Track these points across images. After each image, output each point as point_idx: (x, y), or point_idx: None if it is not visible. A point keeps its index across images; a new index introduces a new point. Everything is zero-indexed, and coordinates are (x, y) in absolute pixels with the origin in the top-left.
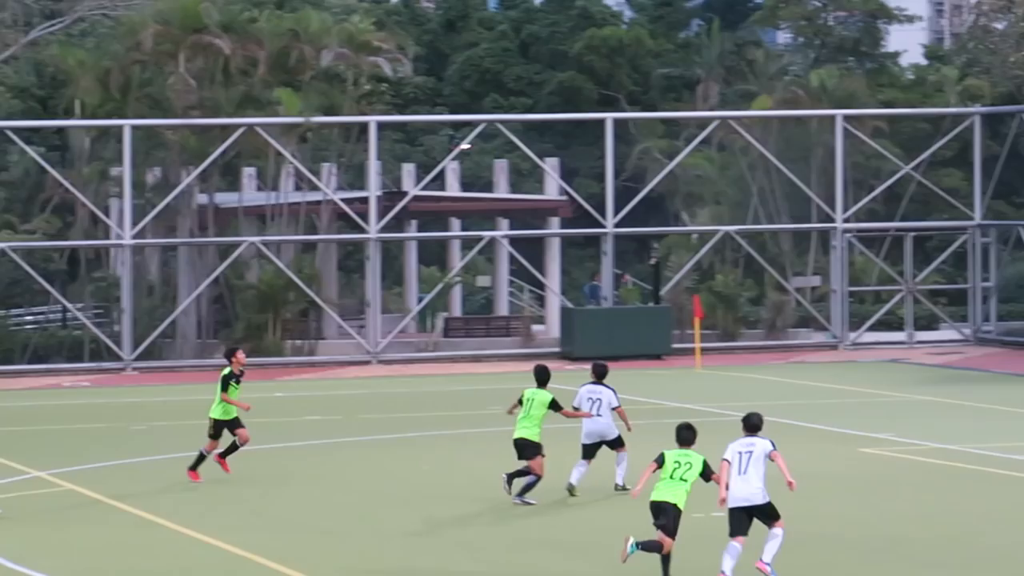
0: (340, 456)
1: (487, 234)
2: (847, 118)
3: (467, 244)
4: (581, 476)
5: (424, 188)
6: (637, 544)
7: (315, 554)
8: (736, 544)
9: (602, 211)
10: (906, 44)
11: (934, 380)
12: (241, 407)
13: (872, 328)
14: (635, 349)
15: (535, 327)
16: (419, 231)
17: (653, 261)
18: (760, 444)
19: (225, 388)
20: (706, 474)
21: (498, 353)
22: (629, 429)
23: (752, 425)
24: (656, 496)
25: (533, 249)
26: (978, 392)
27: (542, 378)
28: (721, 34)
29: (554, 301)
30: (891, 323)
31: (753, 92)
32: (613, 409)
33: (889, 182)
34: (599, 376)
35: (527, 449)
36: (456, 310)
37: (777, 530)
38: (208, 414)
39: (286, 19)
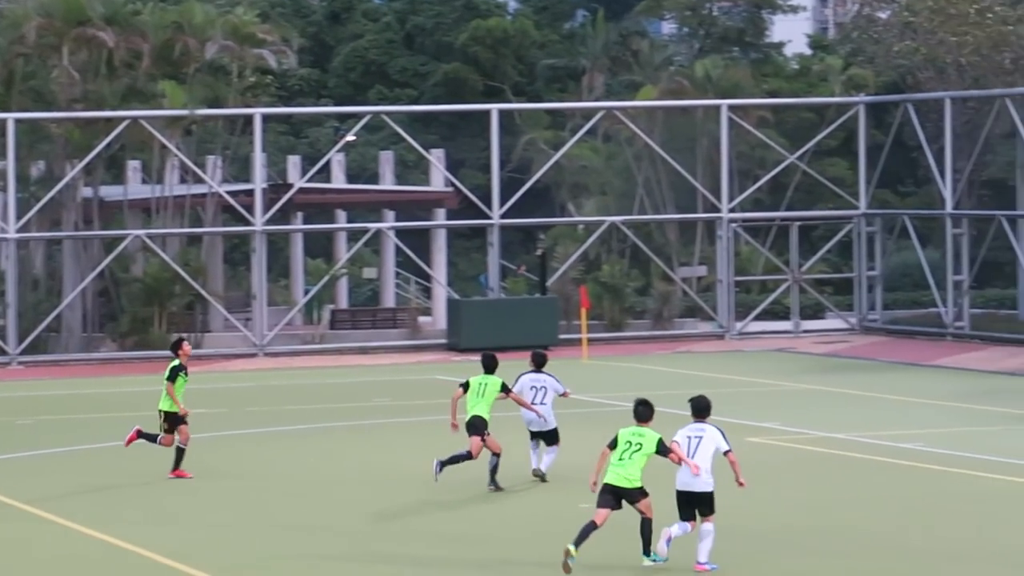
0: (227, 449)
1: (373, 226)
2: (732, 108)
3: (353, 236)
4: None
5: (310, 180)
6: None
7: (204, 548)
8: (687, 525)
9: (488, 202)
10: (790, 34)
11: (820, 369)
12: (178, 408)
13: (758, 317)
14: (522, 340)
15: (422, 319)
16: (305, 223)
17: (539, 252)
18: (710, 432)
19: (173, 379)
20: (662, 450)
21: (385, 345)
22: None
23: (700, 409)
24: (609, 479)
25: (419, 241)
26: (864, 380)
27: (490, 365)
28: (606, 25)
29: (440, 292)
30: (777, 312)
31: (638, 82)
32: (561, 395)
33: (774, 172)
34: (539, 365)
35: (477, 426)
36: (342, 302)
37: (708, 526)
38: (158, 407)
39: (170, 12)
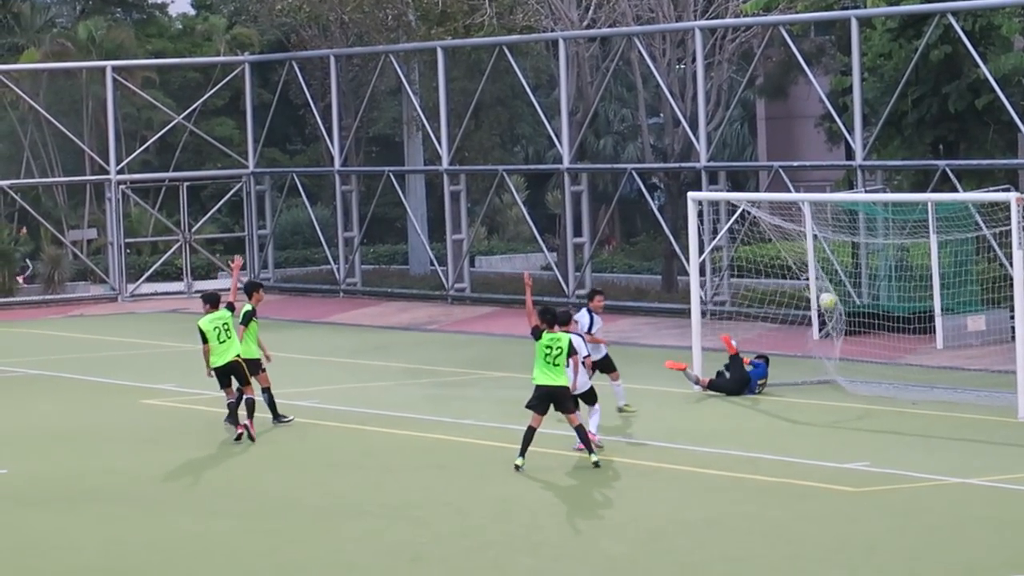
0: None
1: None
2: (117, 69)
3: None
4: None
5: None
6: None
7: None
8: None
9: None
10: None
11: None
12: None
13: (151, 279)
14: None
15: None
16: None
17: None
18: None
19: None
20: (571, 350)
21: None
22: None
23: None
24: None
25: None
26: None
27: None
28: None
29: None
30: (169, 274)
31: (21, 45)
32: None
33: (162, 132)
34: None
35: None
36: None
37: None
38: (229, 357)
39: None
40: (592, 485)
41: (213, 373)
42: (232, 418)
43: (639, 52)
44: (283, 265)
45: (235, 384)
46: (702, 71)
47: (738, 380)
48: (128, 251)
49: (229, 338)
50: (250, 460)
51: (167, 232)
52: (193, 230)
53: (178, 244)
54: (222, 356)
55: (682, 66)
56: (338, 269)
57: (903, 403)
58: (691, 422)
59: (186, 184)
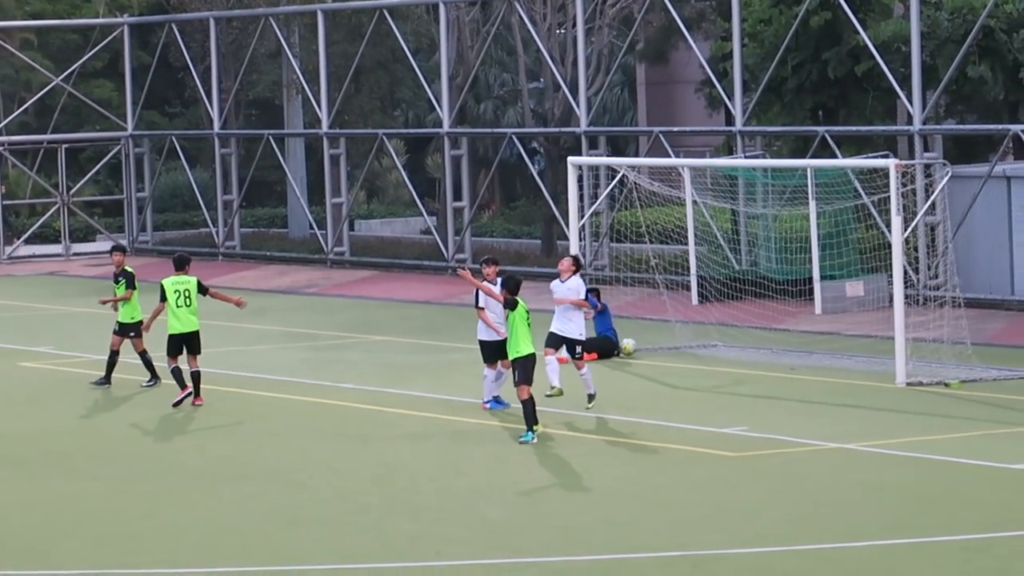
0: None
1: None
2: None
3: None
4: None
5: None
6: None
7: None
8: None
9: None
10: None
11: (92, 292)
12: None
13: (28, 241)
14: None
15: None
16: None
17: None
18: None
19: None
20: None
21: None
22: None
23: (181, 263)
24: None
25: None
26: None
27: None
28: None
29: None
30: (47, 236)
31: None
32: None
33: (40, 94)
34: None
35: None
36: None
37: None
38: (193, 327)
39: None
40: (471, 449)
41: (151, 331)
42: (181, 381)
43: (520, 16)
44: (162, 228)
45: (184, 354)
46: (583, 36)
47: (601, 339)
48: (6, 213)
49: (188, 306)
50: (128, 423)
51: (45, 194)
52: (72, 192)
53: (56, 207)
54: (185, 324)
55: (563, 31)
56: (217, 232)
57: (781, 368)
58: (568, 387)
59: (65, 146)
